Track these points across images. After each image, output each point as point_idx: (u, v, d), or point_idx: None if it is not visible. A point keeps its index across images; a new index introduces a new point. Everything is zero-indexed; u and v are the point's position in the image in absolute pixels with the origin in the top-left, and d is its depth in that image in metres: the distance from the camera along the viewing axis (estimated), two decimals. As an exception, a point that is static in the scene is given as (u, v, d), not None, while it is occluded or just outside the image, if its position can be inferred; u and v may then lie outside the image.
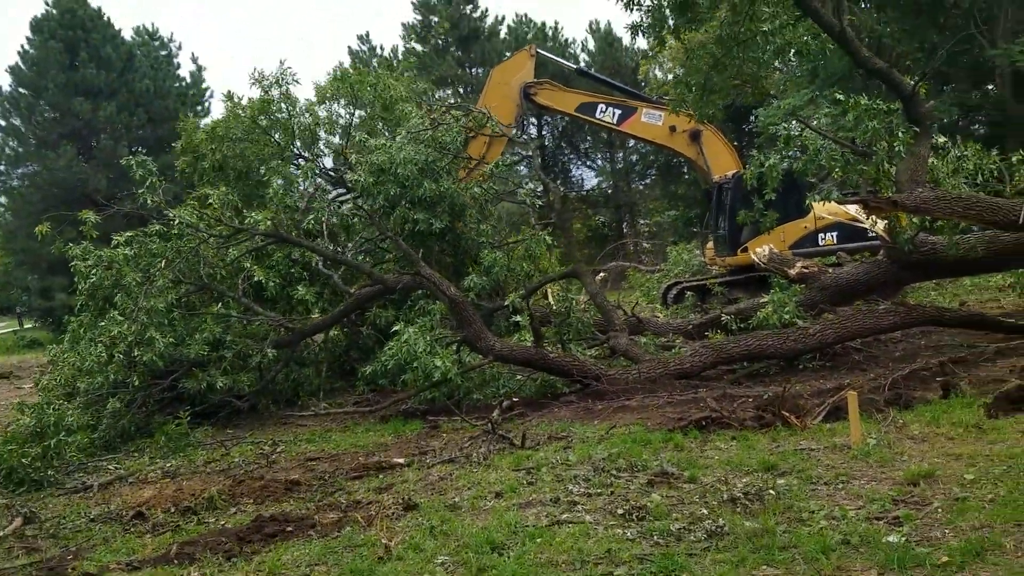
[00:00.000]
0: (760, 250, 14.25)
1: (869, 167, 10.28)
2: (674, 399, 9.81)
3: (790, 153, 11.17)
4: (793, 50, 11.63)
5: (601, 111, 19.82)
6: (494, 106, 18.32)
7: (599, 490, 6.64)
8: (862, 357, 11.18)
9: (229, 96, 17.01)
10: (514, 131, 19.91)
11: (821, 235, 17.39)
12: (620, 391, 10.48)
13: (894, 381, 8.81)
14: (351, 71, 17.44)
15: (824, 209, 16.34)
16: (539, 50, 20.75)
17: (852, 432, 7.12)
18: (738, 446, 7.47)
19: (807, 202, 13.38)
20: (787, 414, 7.86)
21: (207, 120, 17.02)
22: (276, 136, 16.25)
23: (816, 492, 6.04)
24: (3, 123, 37.17)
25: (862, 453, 6.80)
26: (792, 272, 12.87)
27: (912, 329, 11.98)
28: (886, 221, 11.47)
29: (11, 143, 37.47)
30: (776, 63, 20.46)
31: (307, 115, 17.20)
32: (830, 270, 13.07)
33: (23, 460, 9.13)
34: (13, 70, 36.89)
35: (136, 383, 10.77)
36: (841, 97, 10.30)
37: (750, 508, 5.79)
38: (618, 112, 19.72)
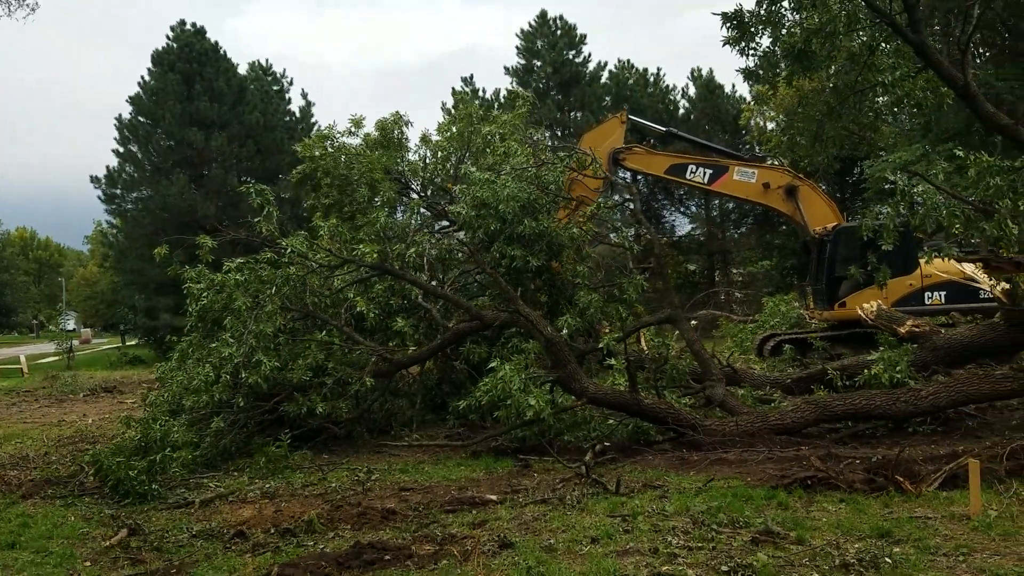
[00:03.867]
0: (867, 305, 13.77)
1: (990, 225, 9.85)
2: (774, 455, 9.51)
3: (902, 207, 10.82)
4: (912, 102, 11.31)
5: (691, 171, 19.72)
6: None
7: (700, 544, 6.46)
8: (976, 424, 10.65)
9: (355, 121, 17.62)
10: (601, 198, 19.98)
11: (928, 293, 16.72)
12: (717, 443, 10.25)
13: (1013, 450, 8.31)
14: (467, 110, 17.83)
15: (934, 267, 15.72)
16: (630, 116, 20.85)
17: (972, 502, 6.76)
18: (847, 509, 7.17)
19: (923, 258, 12.85)
20: (901, 479, 7.51)
21: (324, 143, 17.46)
22: (390, 162, 16.73)
23: (935, 563, 5.74)
24: (121, 149, 39.30)
25: (983, 525, 6.44)
26: (902, 330, 12.39)
27: (1030, 397, 11.35)
28: (1006, 283, 10.95)
29: (128, 168, 39.54)
30: (888, 116, 19.95)
31: (422, 151, 17.73)
32: (943, 331, 12.53)
33: (130, 473, 9.45)
34: (133, 100, 39.10)
35: (240, 404, 11.06)
36: (961, 153, 9.95)
37: None
38: (709, 172, 19.57)
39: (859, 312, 13.98)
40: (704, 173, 19.57)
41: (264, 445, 11.02)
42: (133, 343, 49.61)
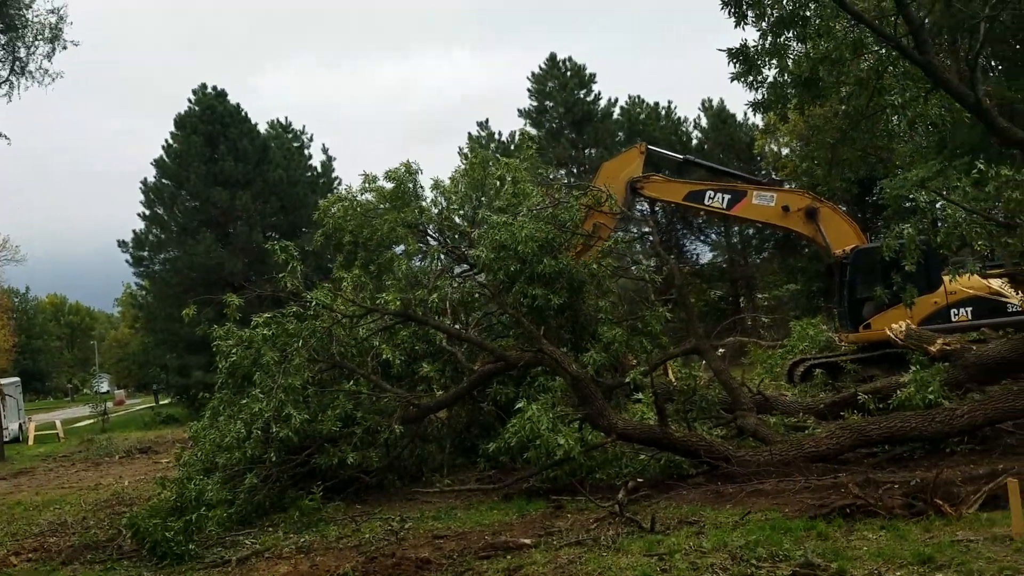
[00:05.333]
0: (896, 326, 13.61)
1: (1015, 239, 9.77)
2: (811, 484, 9.38)
3: (923, 225, 10.77)
4: (927, 122, 11.30)
5: (710, 197, 19.77)
6: None
7: (739, 580, 6.37)
8: (1015, 440, 10.45)
9: (368, 178, 17.95)
10: (618, 230, 20.11)
11: (954, 310, 16.47)
12: (751, 474, 10.12)
13: (1055, 467, 8.17)
14: (482, 156, 18.16)
15: (960, 283, 15.55)
16: (649, 147, 21.04)
17: (1014, 522, 6.63)
18: (888, 536, 7.05)
19: (949, 275, 12.73)
20: (940, 502, 7.39)
21: (342, 203, 17.82)
22: (407, 215, 16.97)
23: (980, 588, 5.62)
24: (148, 212, 40.06)
25: (1027, 546, 6.30)
26: (933, 349, 12.22)
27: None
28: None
29: (154, 230, 40.27)
30: (903, 135, 19.90)
31: (439, 198, 17.98)
32: (974, 347, 12.35)
33: (167, 534, 9.49)
34: (158, 163, 40.01)
35: (272, 458, 11.11)
36: (983, 166, 9.90)
37: (908, 604, 5.44)
38: (727, 197, 19.60)
39: (888, 333, 13.82)
40: (723, 198, 19.61)
41: (297, 499, 11.05)
42: (166, 402, 50.04)
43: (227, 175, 38.62)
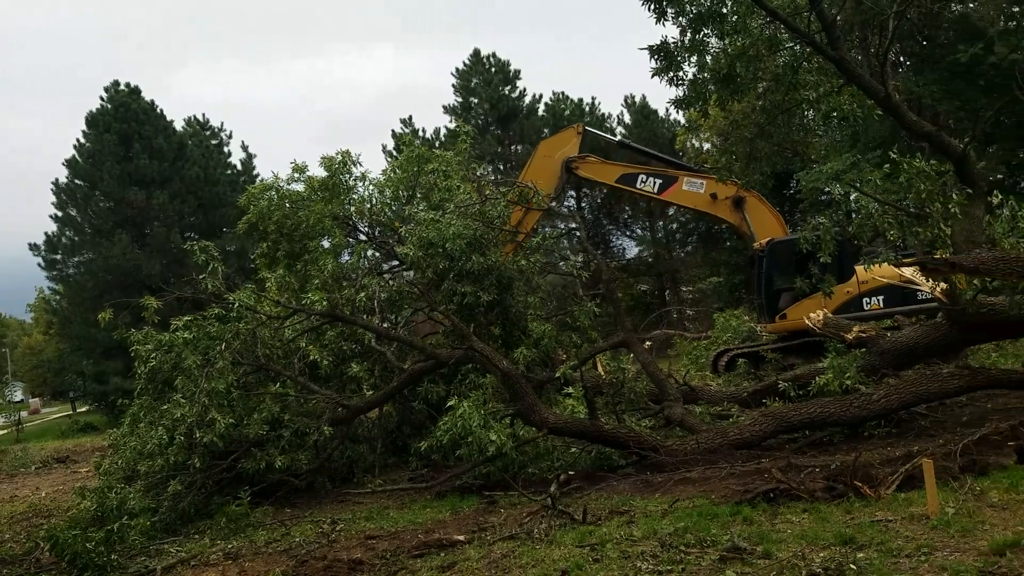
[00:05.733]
0: (814, 315, 14.07)
1: (925, 229, 10.18)
2: (736, 470, 9.60)
3: (838, 217, 11.14)
4: (839, 117, 11.69)
5: (642, 181, 20.10)
6: (537, 178, 18.81)
7: (669, 567, 6.48)
8: (929, 423, 10.89)
9: (298, 167, 17.42)
10: (553, 203, 20.34)
11: (866, 299, 17.10)
12: (679, 463, 10.30)
13: (966, 447, 8.51)
14: (411, 151, 17.85)
15: (873, 272, 16.15)
16: (586, 128, 21.26)
17: (929, 502, 6.90)
18: (811, 519, 7.26)
19: (862, 265, 13.23)
20: (859, 484, 7.64)
21: (269, 192, 17.12)
22: (335, 208, 16.59)
23: (899, 566, 5.83)
24: (60, 214, 38.56)
25: (942, 523, 6.57)
26: (849, 336, 12.66)
27: (977, 392, 11.66)
28: (944, 283, 11.29)
29: (67, 233, 38.76)
30: (818, 130, 20.58)
31: (371, 191, 17.62)
32: (888, 334, 12.84)
33: (87, 545, 9.14)
34: (70, 163, 38.43)
35: (197, 464, 10.83)
36: (895, 156, 10.27)
37: (831, 583, 5.60)
38: (659, 182, 19.95)
39: (806, 322, 14.26)
40: (654, 183, 20.00)
41: (224, 505, 10.78)
42: (84, 410, 48.28)
43: (142, 174, 37.43)
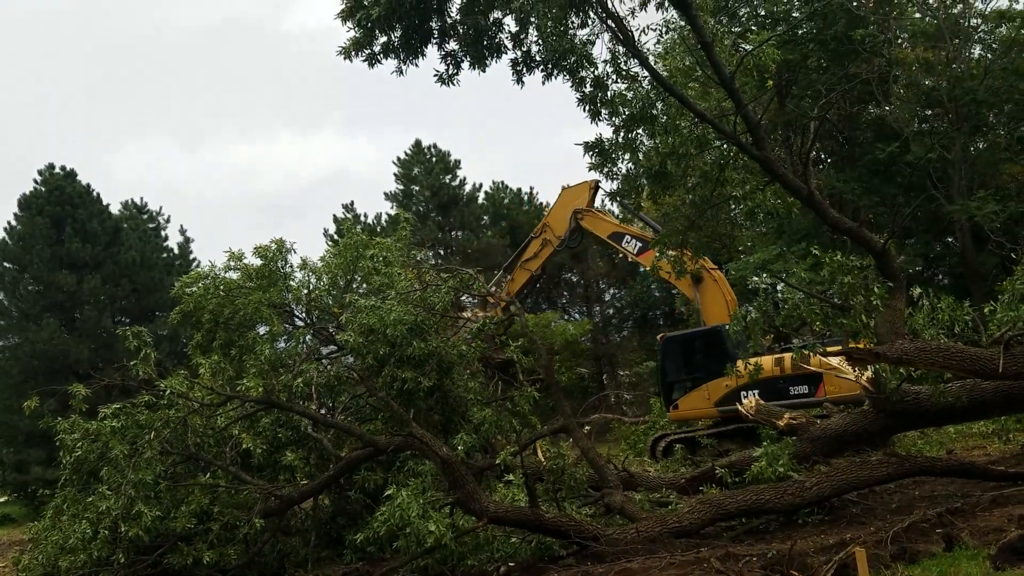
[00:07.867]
0: (747, 401, 14.38)
1: (848, 320, 10.61)
2: (676, 560, 9.59)
3: (766, 307, 11.55)
4: (763, 213, 12.25)
5: (627, 241, 21.50)
6: (554, 223, 22.45)
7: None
8: (859, 509, 11.09)
9: (234, 255, 17.24)
10: (561, 247, 22.89)
11: (743, 393, 17.35)
12: (619, 552, 10.23)
13: (896, 535, 8.73)
14: (357, 237, 17.95)
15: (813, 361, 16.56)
16: (600, 185, 22.61)
17: (862, 589, 7.02)
18: (748, 608, 7.30)
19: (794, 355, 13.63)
20: (795, 573, 7.74)
21: (203, 281, 16.83)
22: (272, 295, 16.45)
23: (833, 654, 5.89)
24: (-16, 297, 37.31)
25: (875, 611, 6.68)
26: (780, 423, 12.95)
27: (904, 479, 11.97)
28: (870, 372, 11.70)
29: (-8, 316, 37.47)
30: (745, 223, 21.53)
31: (308, 278, 17.56)
32: (818, 421, 13.16)
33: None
34: (-1, 245, 37.47)
35: (121, 560, 10.40)
36: (817, 251, 10.77)
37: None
38: (639, 244, 20.96)
39: (739, 408, 14.56)
40: (635, 245, 21.09)
41: (148, 603, 10.33)
42: (2, 500, 45.76)
43: (74, 257, 36.60)
